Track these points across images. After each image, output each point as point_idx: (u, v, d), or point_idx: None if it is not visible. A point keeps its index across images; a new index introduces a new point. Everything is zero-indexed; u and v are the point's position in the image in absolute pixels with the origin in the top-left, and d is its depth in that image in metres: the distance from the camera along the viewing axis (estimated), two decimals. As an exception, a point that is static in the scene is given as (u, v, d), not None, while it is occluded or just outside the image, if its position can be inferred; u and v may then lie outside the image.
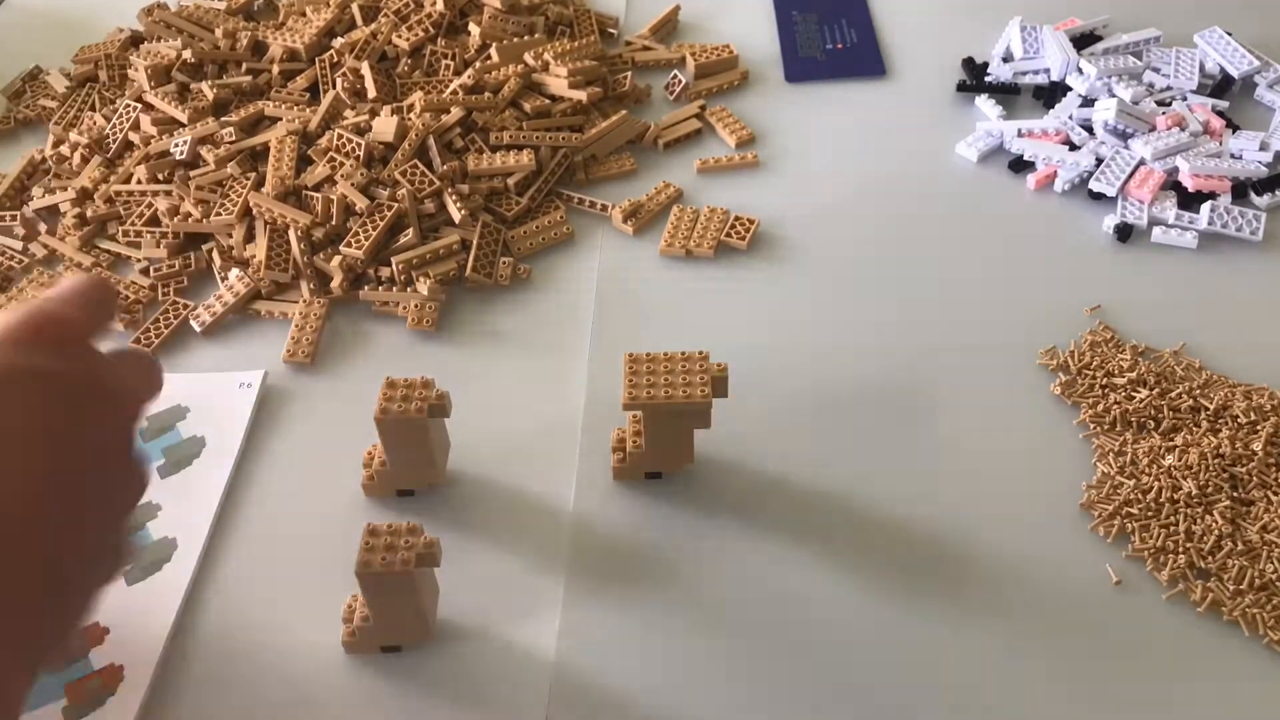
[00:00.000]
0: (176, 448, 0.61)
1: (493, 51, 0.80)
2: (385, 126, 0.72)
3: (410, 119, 0.74)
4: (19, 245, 0.74)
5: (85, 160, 0.78)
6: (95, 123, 0.79)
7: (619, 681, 0.51)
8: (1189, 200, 0.72)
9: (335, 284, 0.68)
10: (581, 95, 0.78)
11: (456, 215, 0.70)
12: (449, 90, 0.78)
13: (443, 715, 0.50)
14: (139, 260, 0.71)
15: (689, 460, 0.58)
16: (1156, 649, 0.51)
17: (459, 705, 0.50)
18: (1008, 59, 0.85)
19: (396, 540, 0.48)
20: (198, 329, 0.67)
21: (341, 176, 0.70)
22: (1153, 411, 0.59)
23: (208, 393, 0.63)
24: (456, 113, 0.75)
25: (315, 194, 0.70)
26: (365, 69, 0.78)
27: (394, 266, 0.67)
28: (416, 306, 0.65)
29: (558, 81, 0.79)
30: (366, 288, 0.68)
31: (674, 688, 0.51)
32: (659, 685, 0.51)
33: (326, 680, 0.51)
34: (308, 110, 0.77)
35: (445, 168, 0.72)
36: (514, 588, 0.54)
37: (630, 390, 0.54)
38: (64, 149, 0.79)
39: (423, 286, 0.66)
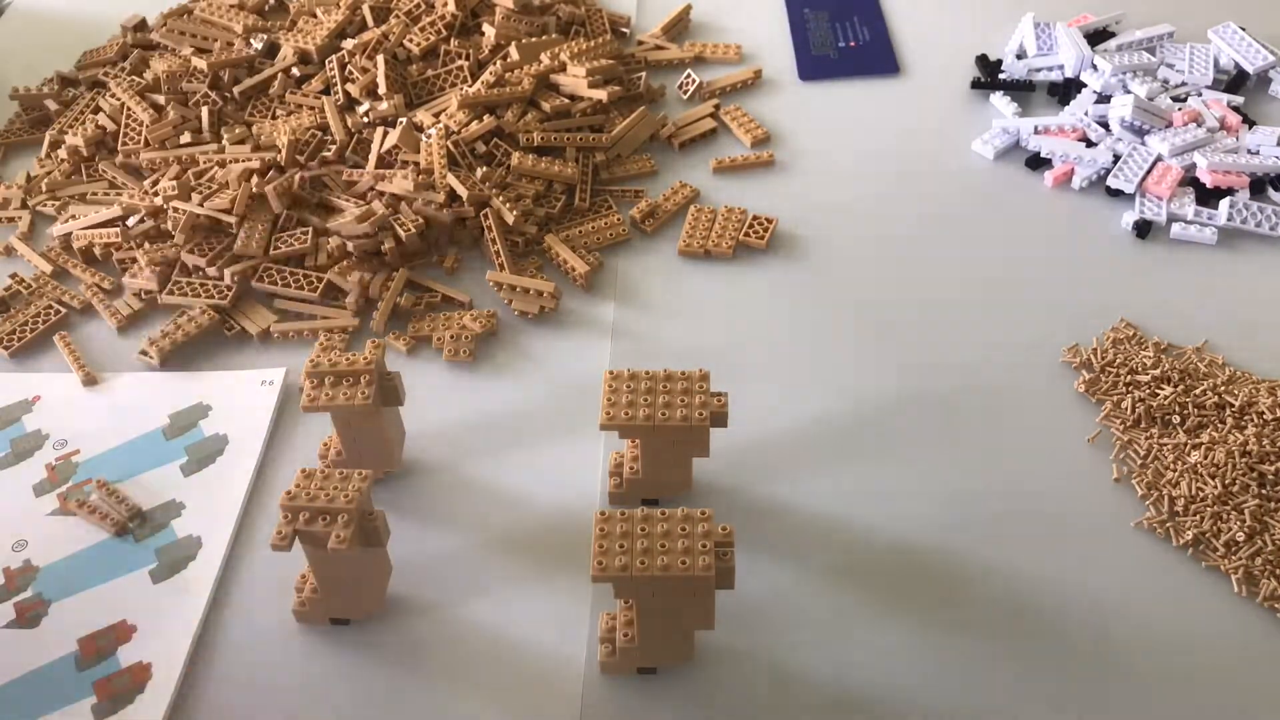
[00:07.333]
0: (199, 445, 0.60)
1: (512, 50, 0.80)
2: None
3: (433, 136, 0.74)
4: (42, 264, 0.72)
5: (87, 159, 0.77)
6: (99, 125, 0.79)
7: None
8: (1207, 196, 0.72)
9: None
10: (602, 94, 0.77)
11: (509, 217, 0.70)
12: (475, 87, 0.77)
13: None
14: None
15: (686, 487, 0.56)
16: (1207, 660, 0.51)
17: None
18: (1021, 56, 0.85)
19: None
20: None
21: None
22: (1177, 409, 0.59)
23: (229, 391, 0.63)
24: (489, 120, 0.75)
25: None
26: (380, 61, 0.78)
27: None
28: (452, 338, 0.65)
29: (576, 81, 0.79)
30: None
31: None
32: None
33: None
34: (315, 116, 0.77)
35: (484, 171, 0.72)
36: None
37: (609, 410, 0.51)
38: (61, 152, 0.79)
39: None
